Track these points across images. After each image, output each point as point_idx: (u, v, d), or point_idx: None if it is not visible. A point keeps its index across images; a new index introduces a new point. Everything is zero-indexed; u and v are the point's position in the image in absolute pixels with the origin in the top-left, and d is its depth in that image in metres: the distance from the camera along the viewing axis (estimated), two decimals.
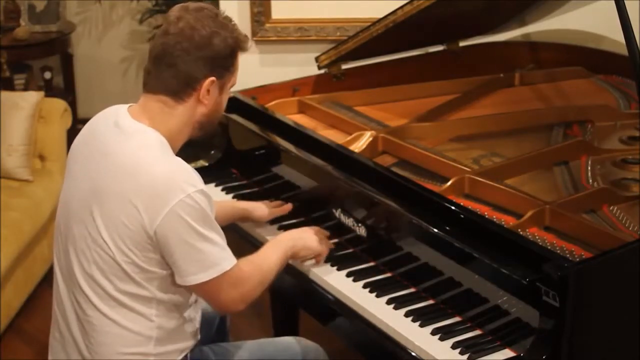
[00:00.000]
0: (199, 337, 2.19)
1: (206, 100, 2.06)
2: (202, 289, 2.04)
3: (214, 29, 2.02)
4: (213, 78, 2.04)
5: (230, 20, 2.09)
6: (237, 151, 2.89)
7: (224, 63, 2.06)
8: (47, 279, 3.68)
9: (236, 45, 2.07)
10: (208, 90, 2.05)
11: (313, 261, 2.35)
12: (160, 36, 2.04)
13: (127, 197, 1.95)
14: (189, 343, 2.14)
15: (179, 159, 2.03)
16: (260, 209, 2.56)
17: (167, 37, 2.02)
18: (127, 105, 2.11)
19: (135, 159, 1.99)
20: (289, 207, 2.59)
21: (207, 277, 1.99)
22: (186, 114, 2.06)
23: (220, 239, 2.01)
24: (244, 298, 2.08)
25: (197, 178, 2.00)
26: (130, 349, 2.05)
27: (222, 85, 2.09)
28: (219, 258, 2.00)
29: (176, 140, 2.08)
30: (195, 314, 2.17)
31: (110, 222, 1.98)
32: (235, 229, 2.59)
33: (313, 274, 2.33)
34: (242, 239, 2.58)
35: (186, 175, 1.98)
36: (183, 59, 2.01)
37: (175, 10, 2.06)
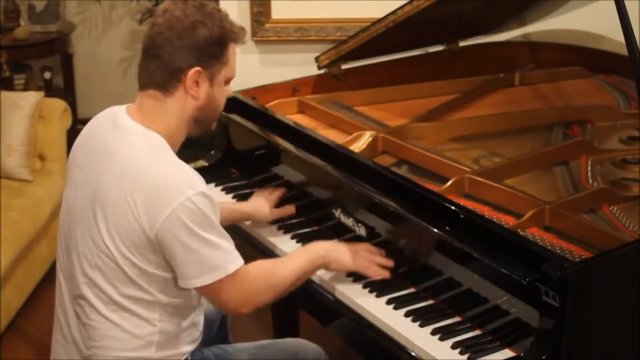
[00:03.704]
0: (200, 340, 2.19)
1: (194, 92, 2.03)
2: (206, 291, 2.03)
3: (197, 18, 2.00)
4: (198, 68, 2.01)
5: (219, 10, 2.05)
6: (237, 151, 2.89)
7: (209, 52, 2.02)
8: (47, 279, 3.69)
9: (223, 35, 2.03)
10: (197, 83, 2.02)
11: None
12: (148, 30, 2.04)
13: (128, 200, 1.95)
14: (191, 347, 2.14)
15: (180, 161, 2.01)
16: (260, 212, 2.54)
17: (152, 29, 2.02)
18: (125, 106, 2.10)
19: (136, 162, 1.98)
20: (291, 209, 2.57)
21: (209, 280, 1.98)
22: (177, 108, 2.04)
23: (223, 241, 1.99)
24: (247, 301, 2.06)
25: (198, 180, 1.99)
26: (131, 352, 2.04)
27: (212, 77, 2.05)
28: (222, 260, 1.98)
29: (174, 138, 2.06)
30: (198, 318, 2.16)
31: (112, 225, 1.97)
32: (235, 229, 2.59)
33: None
34: (242, 239, 2.57)
35: (186, 177, 1.97)
36: (166, 49, 1.99)
37: (163, 3, 2.06)
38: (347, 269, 2.25)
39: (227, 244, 2.01)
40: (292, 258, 2.19)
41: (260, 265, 2.11)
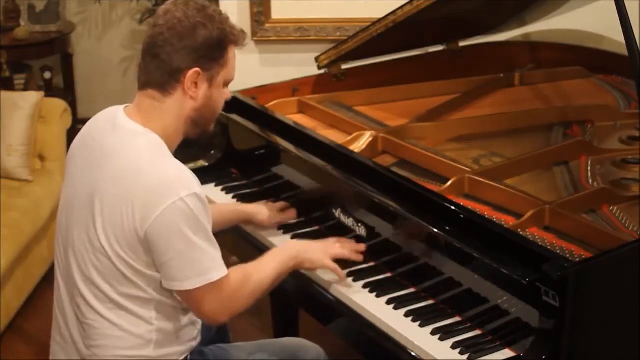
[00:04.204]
0: (199, 339, 2.19)
1: (193, 93, 2.04)
2: (186, 296, 2.02)
3: (198, 20, 2.01)
4: (197, 69, 2.02)
5: (220, 13, 2.06)
6: (237, 151, 2.89)
7: (208, 54, 2.02)
8: (47, 279, 3.69)
9: (224, 37, 2.04)
10: (195, 83, 2.03)
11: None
12: (148, 29, 2.05)
13: (124, 200, 1.95)
14: (189, 345, 2.14)
15: (176, 161, 2.02)
16: (261, 214, 2.54)
17: (153, 30, 2.03)
18: (123, 106, 2.11)
19: (133, 162, 1.98)
20: (293, 214, 2.57)
21: (191, 286, 1.97)
22: (175, 108, 2.04)
23: (211, 247, 1.99)
24: (226, 310, 2.06)
25: (193, 181, 1.99)
26: (130, 351, 2.04)
27: (211, 78, 2.05)
28: (206, 267, 1.98)
29: (172, 139, 2.07)
30: (196, 317, 2.16)
31: (109, 224, 1.98)
32: (235, 228, 2.59)
33: (313, 274, 2.33)
34: (242, 239, 2.58)
35: (181, 178, 1.97)
36: (165, 50, 2.00)
37: (165, 4, 2.07)
38: (320, 266, 2.26)
39: (214, 250, 2.00)
40: (267, 262, 2.17)
41: (241, 273, 2.09)
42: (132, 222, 1.95)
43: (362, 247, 2.30)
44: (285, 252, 2.23)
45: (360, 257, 2.29)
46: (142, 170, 1.97)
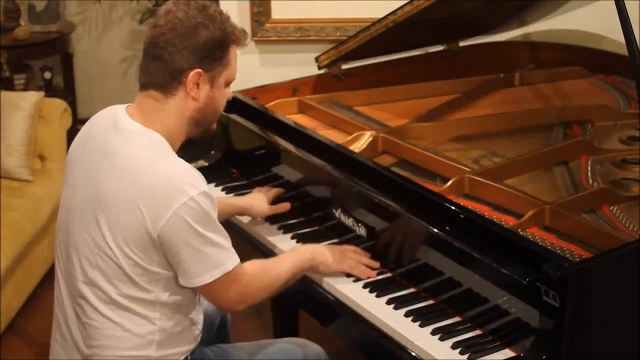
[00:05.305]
0: (200, 339, 2.19)
1: (195, 94, 2.03)
2: (206, 289, 2.04)
3: (199, 20, 2.01)
4: (199, 70, 2.01)
5: (221, 13, 2.06)
6: (237, 151, 2.89)
7: (210, 55, 2.02)
8: (47, 279, 3.69)
9: (225, 37, 2.04)
10: (197, 84, 2.03)
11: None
12: (149, 30, 2.05)
13: (130, 200, 1.95)
14: (191, 346, 2.14)
15: (181, 160, 2.02)
16: (258, 206, 2.55)
17: (154, 30, 2.03)
18: (124, 106, 2.10)
19: (137, 161, 1.98)
20: (287, 206, 2.58)
21: (211, 278, 1.99)
22: (177, 109, 2.04)
23: (223, 239, 2.01)
24: (243, 299, 2.08)
25: (199, 179, 1.99)
26: (132, 351, 2.04)
27: (212, 79, 2.05)
28: (222, 258, 2.00)
29: (174, 139, 2.07)
30: (198, 316, 2.16)
31: (115, 225, 1.97)
32: (235, 229, 2.59)
33: (313, 274, 2.33)
34: (242, 239, 2.57)
35: (188, 177, 1.97)
36: (167, 51, 2.00)
37: (166, 4, 2.06)
38: (334, 270, 2.29)
39: (226, 241, 2.02)
40: (283, 260, 2.22)
41: (255, 265, 2.14)
42: (142, 223, 1.95)
43: (376, 264, 2.31)
44: (302, 253, 2.27)
45: (373, 274, 2.29)
46: (146, 170, 1.97)
